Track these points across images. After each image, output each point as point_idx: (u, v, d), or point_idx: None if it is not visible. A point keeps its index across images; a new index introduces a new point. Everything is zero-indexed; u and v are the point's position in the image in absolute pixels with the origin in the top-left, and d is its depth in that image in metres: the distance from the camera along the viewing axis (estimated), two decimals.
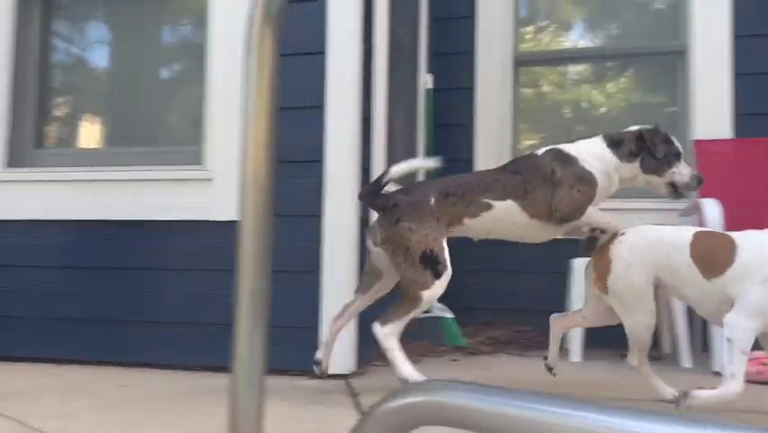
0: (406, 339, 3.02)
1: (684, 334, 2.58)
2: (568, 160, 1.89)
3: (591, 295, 1.90)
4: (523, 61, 3.53)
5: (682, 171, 1.94)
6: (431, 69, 3.41)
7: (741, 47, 3.11)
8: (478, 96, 3.44)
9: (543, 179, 1.87)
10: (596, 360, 2.74)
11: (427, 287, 1.76)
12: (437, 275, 1.77)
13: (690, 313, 2.56)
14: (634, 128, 2.00)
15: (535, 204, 1.86)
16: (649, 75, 3.52)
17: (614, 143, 1.95)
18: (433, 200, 1.83)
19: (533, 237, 1.95)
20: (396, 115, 2.94)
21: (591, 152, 1.92)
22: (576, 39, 3.64)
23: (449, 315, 3.05)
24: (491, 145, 3.41)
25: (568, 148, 1.93)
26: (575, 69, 3.62)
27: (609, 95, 3.56)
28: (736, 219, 2.81)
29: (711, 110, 3.13)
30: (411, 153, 3.27)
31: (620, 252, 1.78)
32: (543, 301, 3.18)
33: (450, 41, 3.51)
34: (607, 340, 3.01)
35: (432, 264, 1.77)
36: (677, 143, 1.98)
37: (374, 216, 1.94)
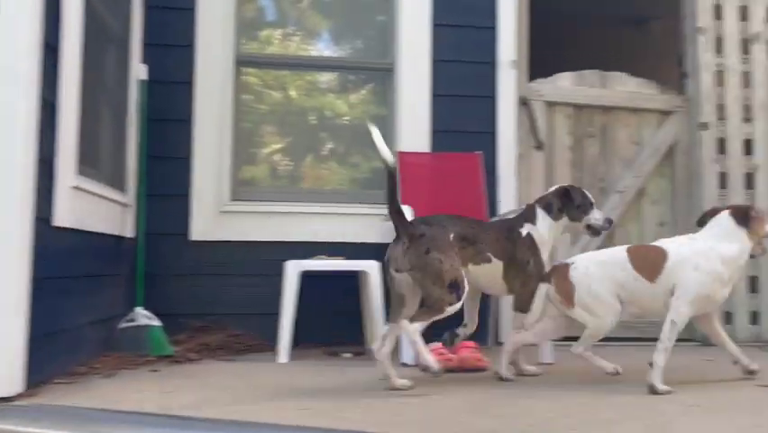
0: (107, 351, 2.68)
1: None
2: (536, 250, 2.33)
3: (550, 315, 2.36)
4: (245, 62, 3.49)
5: (597, 217, 2.42)
6: (146, 60, 3.19)
7: (439, 70, 3.48)
8: (197, 93, 3.31)
9: (520, 261, 2.30)
10: (304, 360, 2.81)
11: (452, 304, 2.11)
12: (459, 297, 2.12)
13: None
14: (554, 188, 2.48)
15: (509, 273, 2.30)
16: (364, 87, 3.76)
17: (547, 208, 2.39)
18: (452, 237, 2.19)
19: (496, 293, 2.46)
20: (97, 105, 2.68)
21: (547, 232, 2.36)
22: (302, 46, 3.73)
23: (155, 323, 2.87)
24: (210, 144, 3.30)
25: (537, 233, 2.34)
26: (299, 75, 3.71)
27: (327, 103, 3.71)
28: None
29: (414, 124, 3.44)
30: (120, 147, 3.01)
31: (579, 276, 2.25)
32: (256, 305, 3.18)
33: (168, 31, 3.32)
34: (316, 338, 3.13)
35: (456, 289, 2.12)
36: (589, 195, 2.45)
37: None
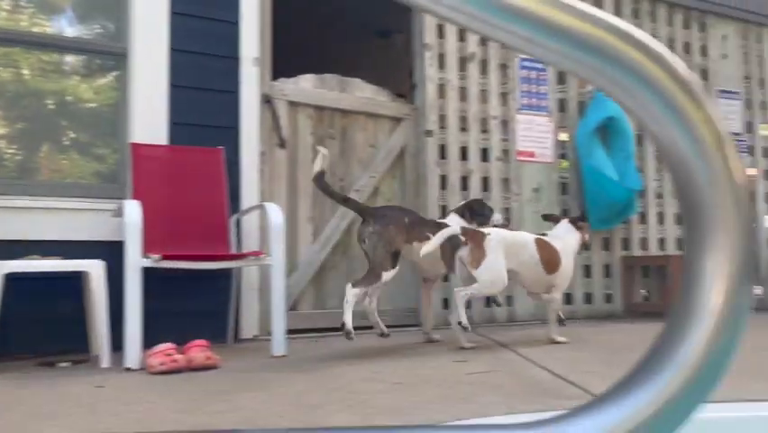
0: None
1: (106, 334, 2.57)
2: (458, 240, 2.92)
3: (464, 275, 2.90)
4: None
5: (497, 218, 3.34)
6: None
7: (178, 60, 3.34)
8: None
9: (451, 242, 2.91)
10: (6, 373, 2.48)
11: (387, 271, 2.79)
12: (394, 266, 2.82)
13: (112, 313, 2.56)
14: (463, 202, 3.46)
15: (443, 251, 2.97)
16: (97, 72, 3.45)
17: (461, 215, 3.24)
18: (406, 220, 2.94)
19: (434, 270, 3.21)
20: None
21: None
22: (36, 21, 3.29)
23: None
24: None
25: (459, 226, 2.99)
26: (35, 56, 3.26)
27: (58, 86, 3.33)
28: (162, 216, 2.98)
29: (150, 116, 3.26)
30: None
31: (492, 245, 2.81)
32: None
33: None
34: (29, 348, 2.79)
35: (395, 259, 2.81)
36: (488, 205, 3.45)
37: None
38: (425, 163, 4.02)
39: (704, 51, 5.07)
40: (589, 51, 0.49)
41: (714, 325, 0.49)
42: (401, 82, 4.71)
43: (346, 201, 3.01)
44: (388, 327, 3.06)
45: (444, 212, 4.04)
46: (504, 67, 4.32)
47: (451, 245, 2.92)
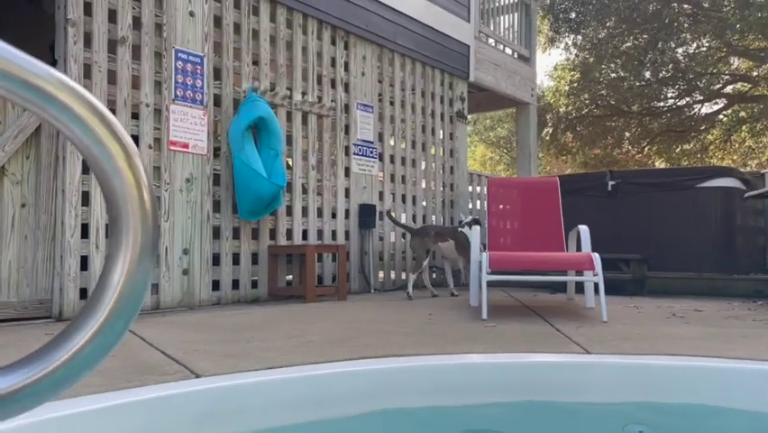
0: None
1: None
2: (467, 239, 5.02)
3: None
4: None
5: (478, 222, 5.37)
6: None
7: None
8: None
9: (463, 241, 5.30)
10: None
11: (424, 260, 5.27)
12: (427, 257, 5.30)
13: None
14: (470, 217, 5.75)
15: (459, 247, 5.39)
16: None
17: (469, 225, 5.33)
18: (432, 233, 5.39)
19: (452, 256, 5.54)
20: None
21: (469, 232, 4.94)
22: None
23: None
24: None
25: (469, 233, 4.87)
26: None
27: None
28: None
29: None
30: None
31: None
32: None
33: None
34: None
35: (428, 253, 5.31)
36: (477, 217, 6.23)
37: None
38: (65, 145, 3.80)
39: (347, 67, 5.80)
40: (31, 91, 0.63)
41: (119, 293, 0.68)
42: (44, 56, 4.34)
43: (399, 224, 5.95)
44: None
45: (86, 197, 3.90)
46: (159, 55, 4.32)
47: (459, 242, 5.37)
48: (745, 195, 4.79)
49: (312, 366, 2.05)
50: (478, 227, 4.46)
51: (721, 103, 16.98)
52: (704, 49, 15.08)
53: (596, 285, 3.63)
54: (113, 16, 4.07)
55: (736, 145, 17.78)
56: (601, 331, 3.04)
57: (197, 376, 1.94)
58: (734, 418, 2.02)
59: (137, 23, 4.20)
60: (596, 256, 3.58)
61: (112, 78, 4.06)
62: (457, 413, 1.99)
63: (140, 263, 0.69)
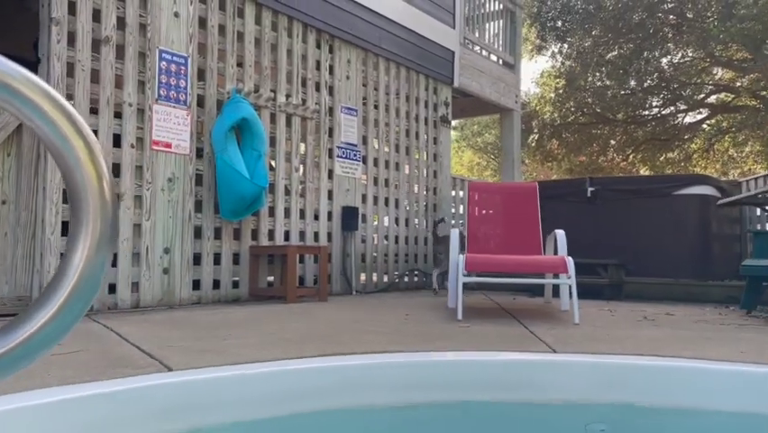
0: None
1: None
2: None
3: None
4: None
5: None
6: None
7: None
8: None
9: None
10: None
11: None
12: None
13: None
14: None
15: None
16: None
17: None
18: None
19: None
20: None
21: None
22: None
23: None
24: None
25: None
26: None
27: None
28: None
29: None
30: None
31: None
32: None
33: None
34: None
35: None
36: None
37: None
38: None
39: (332, 71, 5.86)
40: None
41: (78, 277, 0.73)
42: (27, 53, 4.36)
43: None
44: None
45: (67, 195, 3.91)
46: (143, 55, 4.35)
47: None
48: (718, 202, 4.90)
49: (283, 362, 2.09)
50: (456, 231, 4.52)
51: (705, 112, 17.23)
52: (688, 59, 15.31)
53: (570, 288, 3.71)
54: (97, 16, 4.10)
55: (719, 154, 18.04)
56: (572, 332, 3.11)
57: (170, 370, 1.98)
58: (691, 416, 2.09)
59: (121, 22, 4.23)
60: (569, 260, 3.65)
61: (95, 77, 4.09)
62: (423, 409, 2.05)
63: (98, 250, 0.74)
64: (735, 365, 2.23)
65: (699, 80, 15.91)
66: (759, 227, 6.69)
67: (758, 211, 6.60)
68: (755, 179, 7.32)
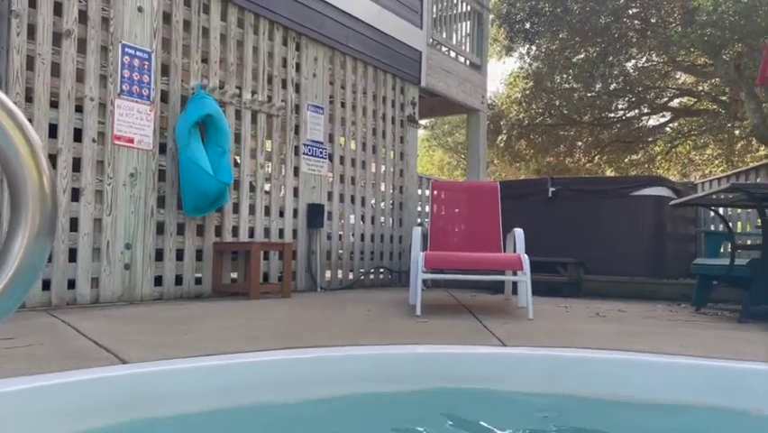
0: None
1: None
2: None
3: None
4: None
5: None
6: None
7: None
8: None
9: None
10: None
11: None
12: None
13: None
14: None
15: None
16: None
17: None
18: None
19: None
20: None
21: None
22: None
23: None
24: None
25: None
26: None
27: None
28: None
29: None
30: None
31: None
32: None
33: None
34: None
35: None
36: None
37: None
38: None
39: (298, 68, 5.89)
40: None
41: (17, 264, 0.77)
42: None
43: None
44: None
45: None
46: (105, 49, 4.33)
47: None
48: (671, 203, 5.07)
49: (238, 355, 2.14)
50: (419, 229, 4.60)
51: (668, 116, 17.66)
52: (651, 63, 15.67)
53: (526, 285, 3.81)
54: (58, 9, 4.07)
55: (681, 157, 18.51)
56: (525, 327, 3.21)
57: (124, 363, 2.01)
58: (632, 408, 2.19)
59: (83, 16, 4.21)
60: (525, 257, 3.76)
61: (56, 70, 4.05)
62: (376, 399, 2.11)
63: (37, 239, 0.78)
64: (672, 358, 2.34)
65: (662, 84, 16.31)
66: (712, 228, 6.92)
67: (711, 212, 6.83)
68: (710, 181, 7.57)
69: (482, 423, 2.08)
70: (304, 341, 2.58)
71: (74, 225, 4.14)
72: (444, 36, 8.28)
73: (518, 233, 4.34)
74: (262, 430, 1.92)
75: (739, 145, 16.31)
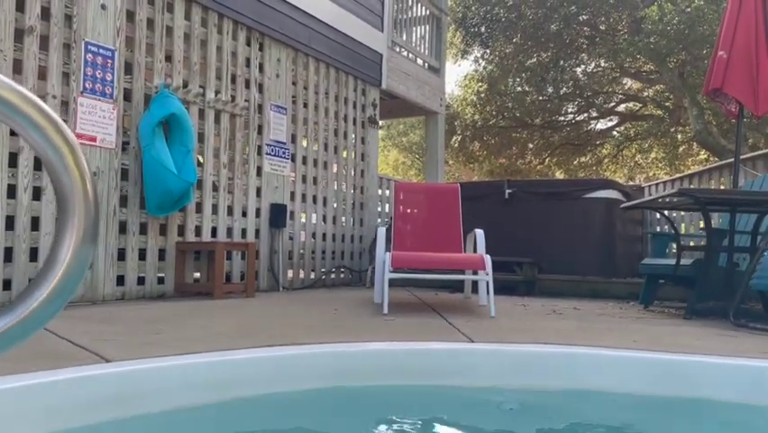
0: None
1: None
2: None
3: None
4: None
5: None
6: None
7: None
8: None
9: None
10: None
11: None
12: None
13: None
14: None
15: None
16: None
17: None
18: None
19: None
20: None
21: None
22: None
23: None
24: None
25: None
26: None
27: None
28: None
29: None
30: None
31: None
32: None
33: None
34: None
35: None
36: None
37: None
38: None
39: (262, 69, 5.91)
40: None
41: (65, 268, 0.84)
42: None
43: None
44: None
45: (12, 190, 3.83)
46: (68, 47, 4.27)
47: None
48: (622, 205, 5.33)
49: (220, 352, 2.20)
50: (383, 229, 4.70)
51: (615, 120, 18.31)
52: (600, 69, 16.23)
53: (488, 284, 3.96)
54: (21, 5, 3.99)
55: (627, 160, 19.22)
56: (488, 325, 3.35)
57: (107, 361, 2.04)
58: (595, 398, 2.35)
59: (46, 13, 4.14)
60: (487, 258, 3.91)
61: (17, 67, 3.98)
62: (353, 394, 2.20)
63: (83, 244, 0.85)
64: (628, 352, 2.51)
65: (610, 90, 16.91)
66: (658, 229, 7.27)
67: (657, 214, 7.18)
68: (656, 184, 7.94)
69: (452, 417, 2.19)
70: (276, 339, 2.64)
71: (35, 224, 4.08)
72: (404, 39, 8.41)
73: (479, 233, 4.49)
74: (252, 424, 1.99)
75: (682, 149, 17.05)
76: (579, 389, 2.36)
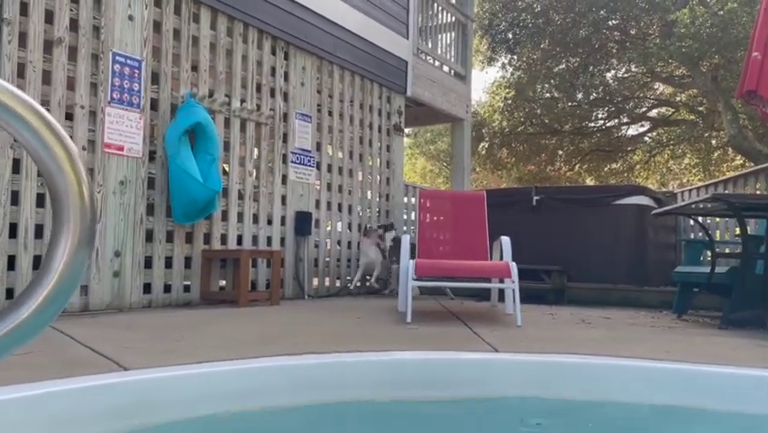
0: None
1: None
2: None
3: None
4: None
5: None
6: None
7: None
8: None
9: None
10: None
11: None
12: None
13: None
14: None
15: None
16: None
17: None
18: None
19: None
20: None
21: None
22: None
23: None
24: None
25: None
26: None
27: None
28: None
29: None
30: None
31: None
32: None
33: None
34: None
35: None
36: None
37: None
38: None
39: (287, 77, 5.93)
40: None
41: (60, 272, 0.81)
42: None
43: None
44: None
45: (15, 197, 3.88)
46: (96, 57, 4.33)
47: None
48: (653, 212, 5.19)
49: (239, 361, 2.17)
50: (407, 237, 4.65)
51: (646, 125, 17.98)
52: (631, 74, 15.96)
53: (514, 292, 3.88)
54: (50, 17, 4.07)
55: (659, 166, 18.84)
56: (514, 334, 3.27)
57: (125, 369, 2.03)
58: (620, 409, 2.26)
59: (74, 24, 4.21)
60: (513, 265, 3.83)
61: (47, 78, 4.05)
62: (375, 405, 2.16)
63: (78, 251, 0.82)
64: (660, 363, 2.42)
65: (641, 95, 16.62)
66: (692, 236, 7.07)
67: (691, 221, 6.99)
68: (689, 190, 7.74)
69: (477, 428, 2.13)
70: (299, 348, 2.61)
71: (38, 231, 4.12)
72: (430, 46, 8.38)
73: (505, 241, 4.41)
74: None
75: (716, 155, 16.64)
76: (607, 400, 2.27)
